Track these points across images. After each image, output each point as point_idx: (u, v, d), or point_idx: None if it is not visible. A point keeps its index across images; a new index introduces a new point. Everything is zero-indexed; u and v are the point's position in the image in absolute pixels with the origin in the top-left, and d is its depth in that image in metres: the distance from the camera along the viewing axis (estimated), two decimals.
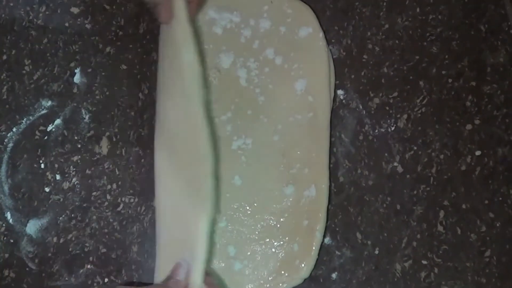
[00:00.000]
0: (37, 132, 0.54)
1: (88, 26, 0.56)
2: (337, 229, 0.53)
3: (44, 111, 0.55)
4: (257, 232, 0.52)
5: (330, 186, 0.52)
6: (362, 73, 0.55)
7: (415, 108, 0.55)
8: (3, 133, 0.54)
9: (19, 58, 0.56)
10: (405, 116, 0.55)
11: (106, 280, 0.52)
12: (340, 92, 0.55)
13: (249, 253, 0.51)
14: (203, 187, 0.45)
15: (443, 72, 0.56)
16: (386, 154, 0.54)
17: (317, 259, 0.51)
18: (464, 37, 0.56)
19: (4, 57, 0.56)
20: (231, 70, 0.54)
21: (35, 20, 0.56)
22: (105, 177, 0.54)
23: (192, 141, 0.46)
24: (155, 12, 0.45)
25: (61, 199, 0.53)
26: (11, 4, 0.56)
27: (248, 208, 0.52)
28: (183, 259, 0.44)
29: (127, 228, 0.53)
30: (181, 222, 0.48)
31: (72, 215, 0.53)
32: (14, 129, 0.54)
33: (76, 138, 0.54)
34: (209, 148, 0.46)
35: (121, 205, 0.53)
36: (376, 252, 0.52)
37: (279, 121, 0.53)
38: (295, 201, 0.52)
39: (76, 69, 0.55)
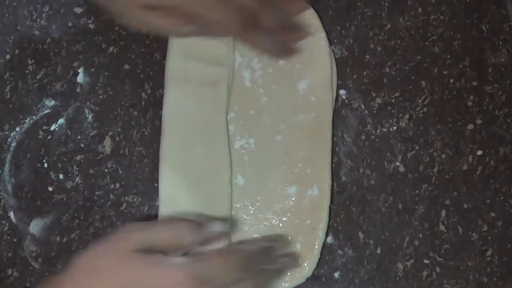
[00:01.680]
0: (40, 132, 0.55)
1: (91, 26, 0.56)
2: (339, 228, 0.53)
3: (47, 111, 0.55)
4: (259, 232, 0.52)
5: (332, 185, 0.53)
6: (364, 73, 0.56)
7: (417, 108, 0.55)
8: (7, 132, 0.55)
9: (22, 58, 0.56)
10: (407, 116, 0.55)
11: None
12: (342, 92, 0.55)
13: None
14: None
15: (445, 72, 0.56)
16: (388, 154, 0.54)
17: (319, 258, 0.51)
18: (465, 37, 0.56)
19: (8, 56, 0.56)
20: (236, 70, 0.54)
21: (38, 19, 0.56)
22: (108, 177, 0.54)
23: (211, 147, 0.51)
24: None
25: (64, 199, 0.54)
26: (14, 4, 0.57)
27: (250, 207, 0.52)
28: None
29: None
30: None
31: (75, 215, 0.53)
32: (18, 129, 0.55)
33: (79, 137, 0.54)
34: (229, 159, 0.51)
35: (124, 205, 0.53)
36: (378, 251, 0.53)
37: (282, 121, 0.53)
38: (297, 200, 0.52)
39: (79, 68, 0.56)
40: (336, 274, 0.52)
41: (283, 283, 0.51)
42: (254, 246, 0.45)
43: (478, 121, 0.55)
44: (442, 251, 0.53)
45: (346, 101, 0.55)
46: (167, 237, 0.42)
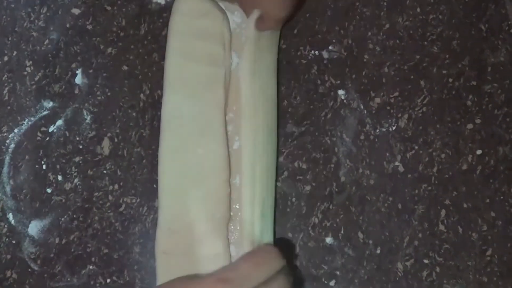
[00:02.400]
0: (38, 133, 0.54)
1: (89, 27, 0.56)
2: (339, 228, 0.53)
3: (45, 112, 0.55)
4: None
5: (331, 185, 0.53)
6: (363, 73, 0.56)
7: (416, 107, 0.55)
8: (5, 134, 0.55)
9: (21, 59, 0.56)
10: (406, 115, 0.55)
11: (108, 280, 0.52)
12: (341, 92, 0.55)
13: None
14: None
15: (444, 71, 0.56)
16: (387, 154, 0.54)
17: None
18: (464, 36, 0.56)
19: (5, 58, 0.56)
20: (234, 71, 0.54)
21: (36, 21, 0.56)
22: (106, 178, 0.54)
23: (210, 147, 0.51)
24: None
25: (63, 200, 0.54)
26: (12, 5, 0.57)
27: None
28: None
29: (129, 228, 0.53)
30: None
31: (74, 216, 0.53)
32: (16, 130, 0.55)
33: (77, 139, 0.54)
34: (228, 160, 0.51)
35: (123, 206, 0.53)
36: (378, 251, 0.52)
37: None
38: None
39: (77, 70, 0.56)
40: (336, 274, 0.52)
41: None
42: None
43: (478, 121, 0.55)
44: (442, 251, 0.52)
45: (345, 101, 0.55)
46: None
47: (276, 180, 0.53)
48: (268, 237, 0.51)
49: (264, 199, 0.50)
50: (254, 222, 0.49)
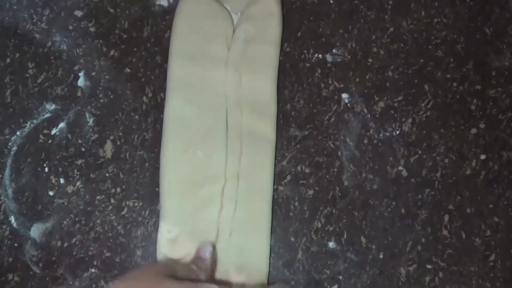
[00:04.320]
0: (41, 136, 0.54)
1: (92, 29, 0.56)
2: (341, 233, 0.53)
3: (48, 115, 0.55)
4: None
5: (334, 190, 0.53)
6: (367, 77, 0.55)
7: (420, 112, 0.55)
8: (7, 136, 0.54)
9: (23, 62, 0.56)
10: (410, 120, 0.55)
11: (110, 284, 0.52)
12: (344, 95, 0.55)
13: None
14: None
15: (448, 75, 0.55)
16: (390, 158, 0.54)
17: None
18: (469, 40, 0.56)
19: (8, 60, 0.56)
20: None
21: (38, 23, 0.56)
22: (109, 181, 0.54)
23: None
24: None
25: (65, 203, 0.53)
26: (15, 7, 0.56)
27: None
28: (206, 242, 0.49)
29: (131, 232, 0.53)
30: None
31: (76, 219, 0.53)
32: (18, 133, 0.54)
33: (80, 141, 0.54)
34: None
35: (125, 209, 0.53)
36: (381, 256, 0.52)
37: None
38: None
39: (80, 72, 0.55)
40: (339, 279, 0.52)
41: None
42: None
43: (482, 125, 0.55)
44: (445, 256, 0.52)
45: (348, 105, 0.55)
46: (188, 273, 0.46)
47: (275, 190, 0.53)
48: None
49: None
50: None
